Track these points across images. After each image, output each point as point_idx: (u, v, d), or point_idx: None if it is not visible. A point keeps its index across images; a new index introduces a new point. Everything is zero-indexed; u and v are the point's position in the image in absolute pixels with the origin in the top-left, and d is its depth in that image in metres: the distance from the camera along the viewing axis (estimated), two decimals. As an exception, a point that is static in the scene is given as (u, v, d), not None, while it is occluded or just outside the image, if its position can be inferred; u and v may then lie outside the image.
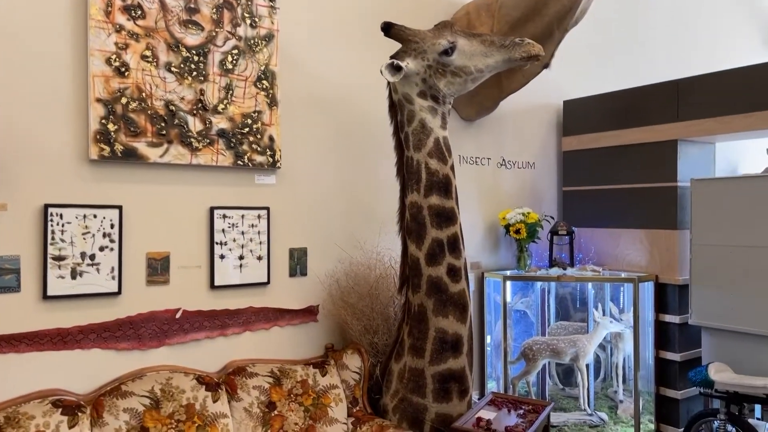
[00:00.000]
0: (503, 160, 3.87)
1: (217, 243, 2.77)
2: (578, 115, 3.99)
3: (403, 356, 2.84)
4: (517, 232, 3.56)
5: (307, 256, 3.06)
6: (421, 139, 2.73)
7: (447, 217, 2.73)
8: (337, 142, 3.17)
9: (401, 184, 2.87)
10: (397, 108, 2.80)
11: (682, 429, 3.41)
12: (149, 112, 2.57)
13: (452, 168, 2.78)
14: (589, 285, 3.82)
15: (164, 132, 2.60)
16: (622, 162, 3.73)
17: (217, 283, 2.77)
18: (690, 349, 3.47)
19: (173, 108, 2.63)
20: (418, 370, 2.76)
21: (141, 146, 2.55)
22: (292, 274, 3.01)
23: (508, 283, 3.56)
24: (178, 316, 2.68)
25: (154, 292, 2.62)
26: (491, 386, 3.77)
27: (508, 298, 3.69)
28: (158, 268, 2.64)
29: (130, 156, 2.53)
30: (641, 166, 3.61)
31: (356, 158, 3.24)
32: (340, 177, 3.19)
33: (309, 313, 3.06)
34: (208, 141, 2.71)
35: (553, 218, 3.75)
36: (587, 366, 3.62)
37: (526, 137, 4.01)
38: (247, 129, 2.82)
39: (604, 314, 3.63)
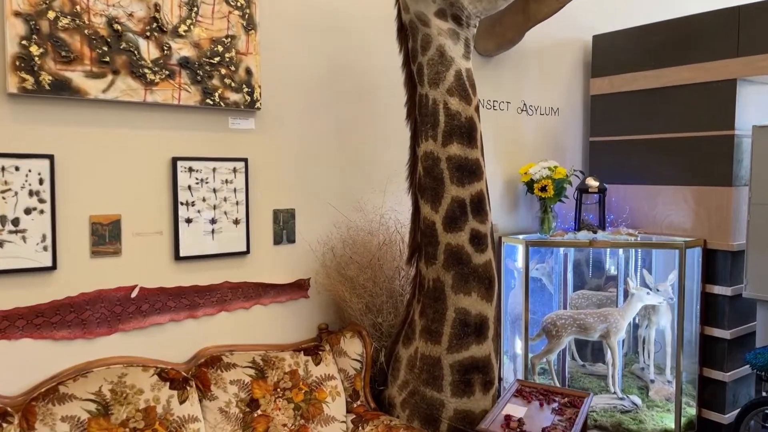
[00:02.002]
0: (524, 104, 3.31)
1: (181, 203, 2.20)
2: (610, 52, 3.41)
3: (413, 340, 2.34)
4: (543, 189, 3.02)
5: (295, 219, 2.50)
6: (438, 72, 2.16)
7: (470, 171, 2.19)
8: (332, 76, 2.58)
9: (412, 129, 2.31)
10: (408, 32, 2.22)
11: (728, 415, 2.98)
12: (86, 31, 1.96)
13: (477, 109, 2.23)
14: (620, 251, 3.32)
15: (107, 59, 2.00)
16: (663, 107, 3.18)
17: (183, 253, 2.21)
18: (741, 324, 3.01)
19: (118, 27, 2.01)
20: (433, 358, 2.26)
21: (77, 77, 1.95)
22: (278, 241, 2.46)
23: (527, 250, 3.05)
24: (134, 295, 2.13)
25: (102, 265, 2.06)
26: (504, 363, 3.31)
27: (532, 269, 3.19)
28: (106, 236, 2.07)
29: (63, 89, 1.93)
30: (688, 112, 3.06)
31: (356, 97, 2.65)
32: (336, 121, 2.60)
33: (298, 288, 2.53)
34: (167, 73, 2.11)
35: (583, 173, 3.22)
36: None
37: (550, 78, 3.44)
38: (217, 58, 2.21)
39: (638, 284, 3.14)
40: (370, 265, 2.51)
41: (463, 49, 2.20)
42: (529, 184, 3.11)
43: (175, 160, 2.18)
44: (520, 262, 3.27)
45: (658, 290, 3.12)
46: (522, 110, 3.30)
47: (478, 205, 2.21)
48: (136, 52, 2.05)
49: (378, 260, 2.53)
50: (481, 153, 2.24)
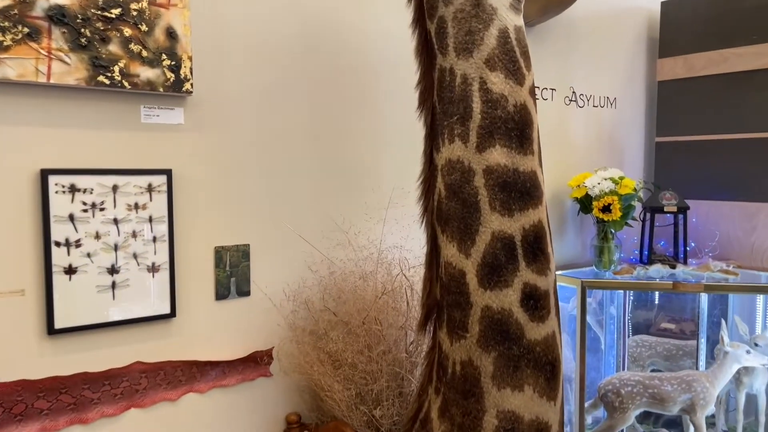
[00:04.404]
0: (573, 93, 2.47)
1: (57, 244, 1.37)
2: (686, 23, 2.57)
3: (429, 451, 1.50)
4: (606, 209, 2.18)
5: (249, 260, 1.67)
6: (471, 32, 1.34)
7: (523, 191, 1.36)
8: (307, 41, 1.74)
9: (428, 125, 1.48)
10: (422, -32, 1.39)
11: None
12: None
13: (532, 92, 1.40)
14: (702, 295, 2.48)
15: None
16: (764, 96, 2.35)
17: (60, 323, 1.38)
18: None
19: (-72, -52, 1.18)
20: (462, 488, 1.42)
21: None
22: (222, 294, 1.63)
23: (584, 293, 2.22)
24: (-28, 396, 1.30)
25: None
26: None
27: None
28: None
29: None
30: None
31: (342, 75, 1.82)
32: (313, 111, 1.77)
33: (254, 365, 1.69)
34: (25, 31, 1.28)
35: (658, 186, 2.38)
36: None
37: (604, 59, 2.60)
38: (116, 11, 1.38)
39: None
40: (364, 327, 1.68)
41: (511, -5, 1.37)
42: (584, 202, 2.27)
43: (45, 175, 1.35)
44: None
45: (756, 345, 2.30)
46: (571, 100, 2.45)
47: (535, 245, 1.37)
48: (-34, -7, 1.22)
49: (377, 320, 1.69)
50: (539, 161, 1.41)
